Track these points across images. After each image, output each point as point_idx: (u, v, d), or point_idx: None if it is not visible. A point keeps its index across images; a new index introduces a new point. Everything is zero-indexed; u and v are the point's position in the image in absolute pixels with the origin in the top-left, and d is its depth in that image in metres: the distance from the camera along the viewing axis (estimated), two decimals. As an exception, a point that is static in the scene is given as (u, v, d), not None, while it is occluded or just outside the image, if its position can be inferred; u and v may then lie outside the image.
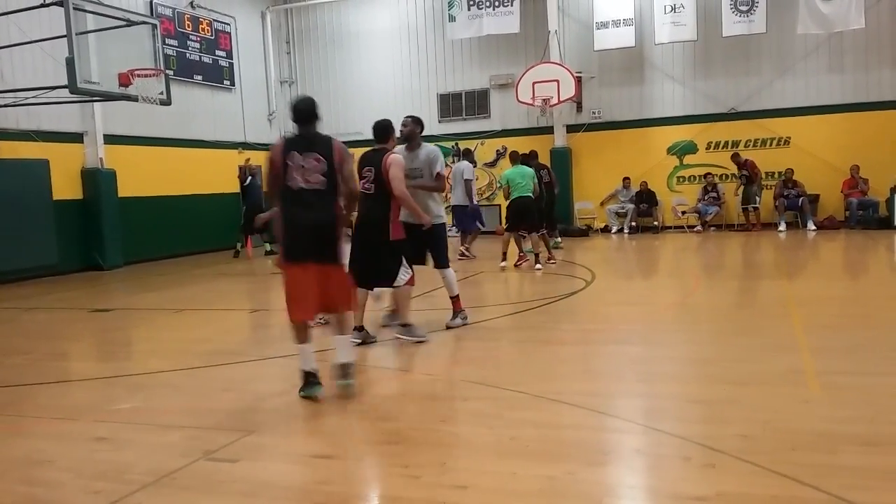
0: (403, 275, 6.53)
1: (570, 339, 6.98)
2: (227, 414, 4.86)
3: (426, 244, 7.00)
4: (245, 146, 19.21)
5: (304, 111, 5.19)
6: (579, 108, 18.58)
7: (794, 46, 16.94)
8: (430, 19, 19.65)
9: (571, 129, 18.65)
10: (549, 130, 18.56)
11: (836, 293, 8.97)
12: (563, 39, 18.26)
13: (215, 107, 18.34)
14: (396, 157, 6.48)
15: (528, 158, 12.54)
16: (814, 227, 16.27)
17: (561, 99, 17.28)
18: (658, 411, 4.56)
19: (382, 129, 6.66)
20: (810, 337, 6.30)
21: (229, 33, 18.90)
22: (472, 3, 18.13)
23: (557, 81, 17.18)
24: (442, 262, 7.16)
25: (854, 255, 13.06)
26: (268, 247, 16.26)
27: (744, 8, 16.49)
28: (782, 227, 16.59)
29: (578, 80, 17.75)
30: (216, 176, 17.56)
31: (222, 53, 18.62)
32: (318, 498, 3.46)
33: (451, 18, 18.44)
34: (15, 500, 3.65)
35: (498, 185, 17.96)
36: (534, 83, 17.33)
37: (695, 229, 17.43)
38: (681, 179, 18.21)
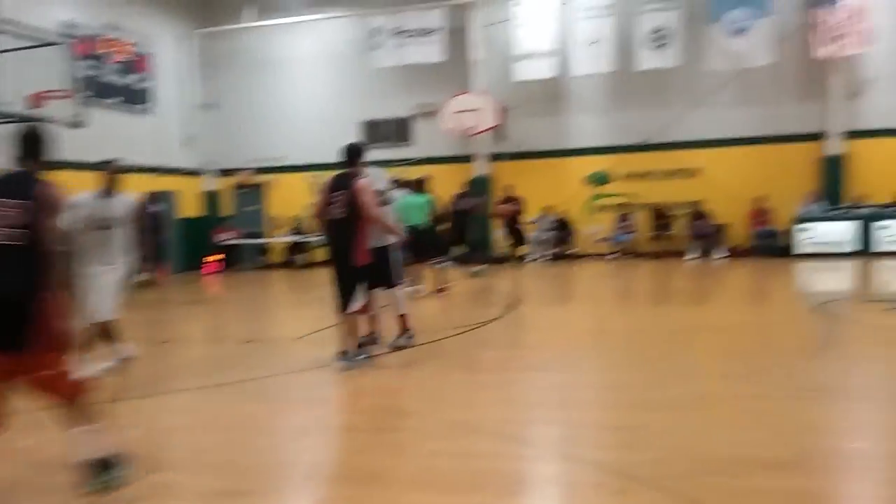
0: (357, 301, 6.62)
1: (488, 366, 7.02)
2: (131, 451, 4.67)
3: (380, 266, 7.09)
4: (161, 171, 18.74)
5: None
6: (501, 137, 18.86)
7: (704, 80, 17.64)
8: (354, 46, 19.66)
9: (493, 157, 18.92)
10: (471, 159, 18.77)
11: (740, 320, 9.29)
12: (486, 69, 18.57)
13: (131, 130, 17.84)
14: (366, 180, 6.62)
15: (420, 186, 12.08)
16: (721, 256, 16.88)
17: (483, 128, 17.54)
18: (573, 438, 4.62)
19: (355, 152, 6.80)
20: (716, 362, 6.52)
21: (147, 56, 18.49)
22: (396, 31, 18.26)
23: (479, 111, 17.45)
24: (395, 282, 7.33)
25: (758, 283, 13.61)
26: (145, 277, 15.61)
27: (658, 42, 17.14)
28: (692, 255, 17.15)
29: (500, 110, 18.05)
30: (134, 200, 17.07)
31: (140, 76, 18.19)
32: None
33: (375, 46, 18.53)
34: None
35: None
36: (457, 112, 17.55)
37: (610, 257, 17.85)
38: (597, 209, 18.66)
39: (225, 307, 13.63)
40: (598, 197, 18.61)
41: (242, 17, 19.40)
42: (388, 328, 7.55)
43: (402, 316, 7.47)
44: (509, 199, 17.24)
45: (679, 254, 17.40)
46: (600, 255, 18.02)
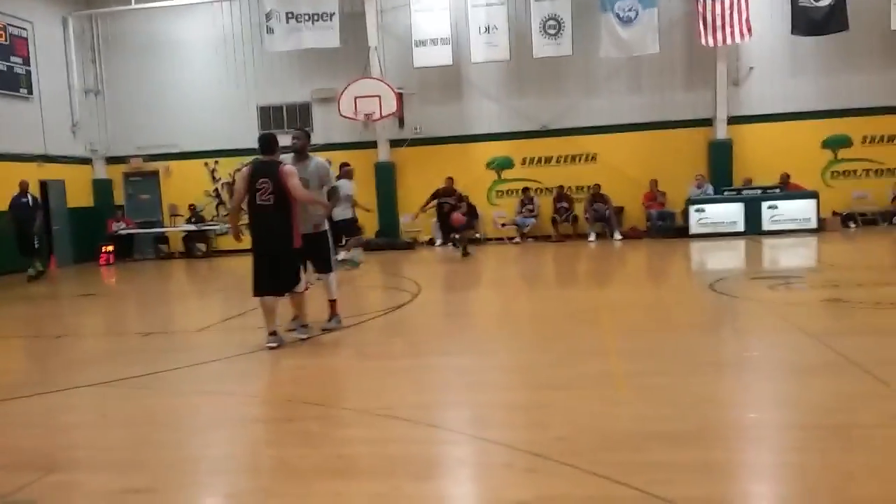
0: (303, 280, 7.11)
1: (397, 352, 7.03)
2: (26, 451, 4.45)
3: (312, 251, 7.33)
4: (45, 158, 17.81)
5: None
6: (401, 123, 18.84)
7: (598, 68, 18.13)
8: (247, 30, 19.18)
9: (394, 143, 18.88)
10: (372, 145, 18.67)
11: (639, 299, 9.64)
12: (384, 55, 18.47)
13: (11, 117, 16.86)
14: (290, 166, 6.88)
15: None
16: (619, 237, 17.45)
17: (383, 114, 17.46)
18: (483, 420, 4.69)
19: (270, 141, 6.95)
20: (618, 340, 6.74)
21: (26, 38, 17.46)
22: (290, 15, 17.92)
23: (379, 97, 17.35)
24: (328, 268, 7.53)
25: (655, 263, 14.14)
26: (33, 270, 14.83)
27: (552, 31, 17.48)
28: (592, 237, 17.66)
29: (399, 96, 18.01)
30: (12, 190, 16.13)
31: (18, 60, 17.17)
32: (133, 536, 3.25)
33: (269, 30, 18.13)
34: None
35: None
36: (356, 98, 17.39)
37: (514, 241, 18.16)
38: (500, 193, 18.92)
39: (122, 299, 13.11)
40: (500, 181, 18.87)
41: (129, -1, 18.61)
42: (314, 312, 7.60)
43: (332, 301, 7.68)
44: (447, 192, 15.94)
45: (581, 236, 17.88)
46: (505, 239, 18.29)
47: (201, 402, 5.62)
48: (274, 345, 6.85)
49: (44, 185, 17.70)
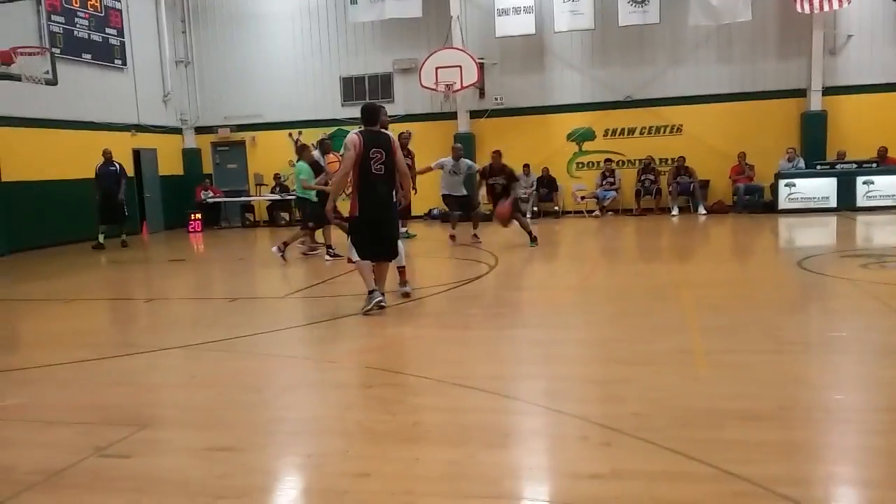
0: (401, 250, 7.52)
1: (473, 323, 7.06)
2: (119, 408, 4.68)
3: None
4: (139, 128, 18.50)
5: None
6: (482, 94, 18.74)
7: (685, 37, 17.58)
8: (331, 1, 19.36)
9: (475, 114, 18.81)
10: (452, 116, 18.66)
11: (722, 275, 9.40)
12: (466, 25, 18.35)
13: (106, 87, 17.55)
14: (396, 139, 7.13)
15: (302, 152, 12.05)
16: (704, 212, 17.01)
17: (464, 85, 17.39)
18: (558, 393, 4.68)
19: (376, 111, 7.05)
20: (699, 317, 6.59)
21: (120, 10, 18.08)
22: (374, -15, 17.97)
23: (460, 67, 17.28)
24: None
25: (740, 238, 13.73)
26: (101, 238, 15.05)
27: (638, -1, 17.01)
28: (675, 211, 17.26)
29: (481, 67, 17.90)
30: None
31: (113, 31, 17.80)
32: (218, 492, 3.38)
33: (353, 1, 18.23)
34: None
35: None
36: (437, 68, 17.37)
37: (593, 214, 17.91)
38: (580, 165, 18.67)
39: (209, 265, 13.56)
40: (580, 153, 18.60)
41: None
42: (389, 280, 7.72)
43: (401, 268, 7.88)
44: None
45: (663, 210, 17.51)
46: (584, 213, 18.07)
47: (283, 366, 5.79)
48: (380, 300, 7.04)
49: (137, 154, 18.43)
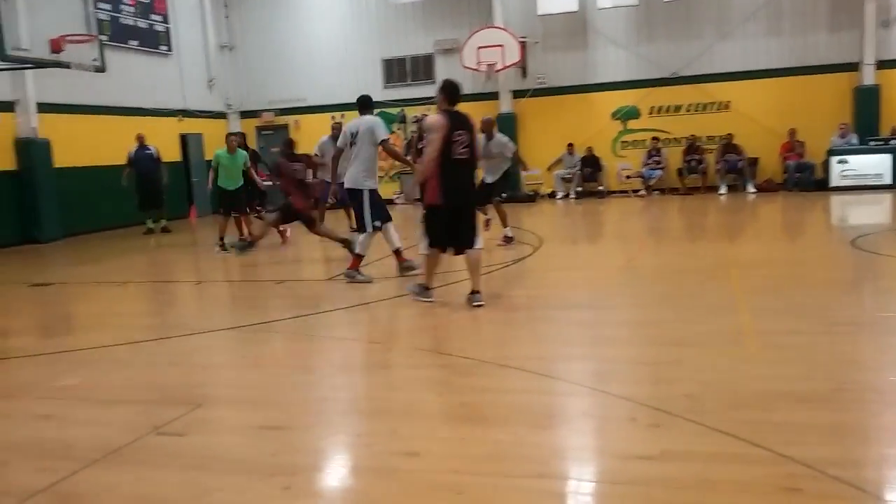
0: (480, 237, 6.87)
1: (518, 304, 7.06)
2: (174, 388, 4.80)
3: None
4: (185, 113, 18.76)
5: None
6: (524, 73, 18.56)
7: (733, 11, 17.18)
8: (372, -18, 19.34)
9: (517, 94, 18.66)
10: (494, 96, 18.53)
11: (773, 255, 9.23)
12: (507, 3, 18.18)
13: (152, 73, 17.82)
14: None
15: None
16: (753, 190, 16.68)
17: (505, 64, 17.26)
18: (605, 374, 4.66)
19: (457, 90, 6.68)
20: (749, 297, 6.49)
21: (165, -3, 18.30)
22: (415, -34, 17.91)
23: (502, 46, 17.14)
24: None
25: (791, 217, 13.44)
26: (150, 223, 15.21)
27: (685, -28, 16.66)
28: (723, 190, 16.96)
29: (522, 45, 17.72)
30: (156, 144, 17.09)
31: (158, 17, 18.04)
32: (270, 469, 3.45)
33: (394, -18, 18.20)
34: (-45, 481, 3.56)
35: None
36: (478, 48, 17.26)
37: (639, 193, 17.70)
38: (625, 144, 18.43)
39: (257, 248, 13.70)
40: (625, 132, 18.36)
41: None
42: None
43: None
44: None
45: (710, 189, 17.22)
46: (629, 192, 17.87)
47: (331, 347, 5.87)
48: (478, 302, 6.53)
49: (184, 139, 18.70)
